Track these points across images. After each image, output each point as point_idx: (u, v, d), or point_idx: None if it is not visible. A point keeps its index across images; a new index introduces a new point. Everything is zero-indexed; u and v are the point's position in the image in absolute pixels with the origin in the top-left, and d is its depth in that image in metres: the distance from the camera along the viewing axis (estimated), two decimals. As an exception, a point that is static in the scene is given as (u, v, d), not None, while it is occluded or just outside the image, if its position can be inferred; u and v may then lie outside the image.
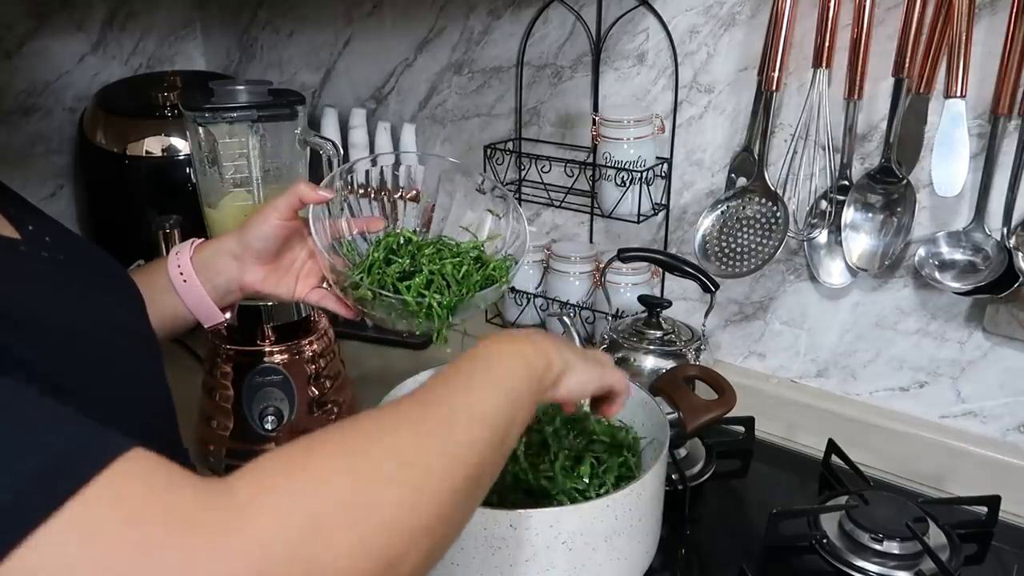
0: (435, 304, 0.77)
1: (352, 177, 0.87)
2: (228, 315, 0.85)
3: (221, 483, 0.39)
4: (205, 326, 0.84)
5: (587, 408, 0.91)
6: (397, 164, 0.91)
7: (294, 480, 0.40)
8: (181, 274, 0.81)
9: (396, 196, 0.91)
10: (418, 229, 0.89)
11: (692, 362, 1.04)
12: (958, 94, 0.89)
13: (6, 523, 0.33)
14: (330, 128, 1.39)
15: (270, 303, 0.97)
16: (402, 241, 0.85)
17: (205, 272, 0.81)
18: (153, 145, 1.33)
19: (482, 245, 0.86)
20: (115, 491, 0.36)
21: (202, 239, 0.85)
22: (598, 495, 0.78)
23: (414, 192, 0.90)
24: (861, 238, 1.01)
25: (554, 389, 0.63)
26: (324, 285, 0.85)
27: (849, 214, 1.01)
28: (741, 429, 1.09)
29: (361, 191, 0.88)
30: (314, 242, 0.79)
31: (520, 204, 1.31)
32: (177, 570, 0.35)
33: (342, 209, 0.87)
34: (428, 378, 0.54)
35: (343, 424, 0.46)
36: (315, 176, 1.02)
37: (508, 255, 0.85)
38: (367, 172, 0.89)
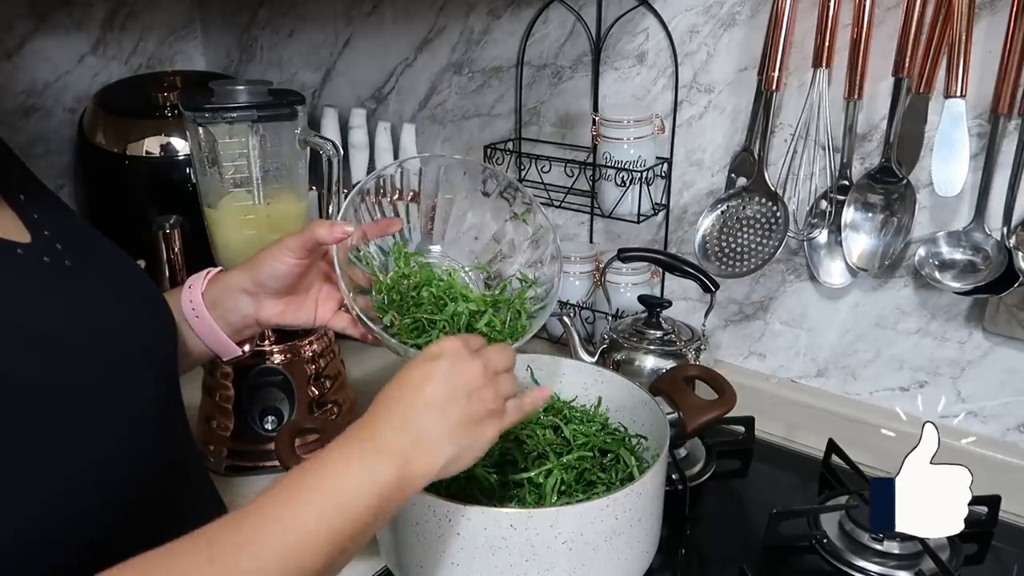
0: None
1: (371, 187, 0.84)
2: (247, 348, 0.83)
3: None
4: (223, 359, 0.82)
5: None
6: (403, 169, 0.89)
7: None
8: (193, 309, 0.78)
9: (395, 198, 0.90)
10: (420, 232, 0.89)
11: (692, 362, 1.04)
12: (958, 94, 0.89)
13: None
14: (330, 128, 1.39)
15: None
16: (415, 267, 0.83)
17: (218, 308, 0.79)
18: (153, 145, 1.32)
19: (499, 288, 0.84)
20: None
21: (217, 270, 0.81)
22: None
23: (412, 194, 0.89)
24: (861, 238, 1.01)
25: (423, 482, 0.59)
26: (344, 310, 0.81)
27: (849, 214, 1.01)
28: (741, 429, 1.09)
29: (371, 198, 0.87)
30: (341, 287, 0.75)
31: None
32: None
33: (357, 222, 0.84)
34: (259, 495, 0.53)
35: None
36: (314, 176, 1.02)
37: (529, 291, 0.83)
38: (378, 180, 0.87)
